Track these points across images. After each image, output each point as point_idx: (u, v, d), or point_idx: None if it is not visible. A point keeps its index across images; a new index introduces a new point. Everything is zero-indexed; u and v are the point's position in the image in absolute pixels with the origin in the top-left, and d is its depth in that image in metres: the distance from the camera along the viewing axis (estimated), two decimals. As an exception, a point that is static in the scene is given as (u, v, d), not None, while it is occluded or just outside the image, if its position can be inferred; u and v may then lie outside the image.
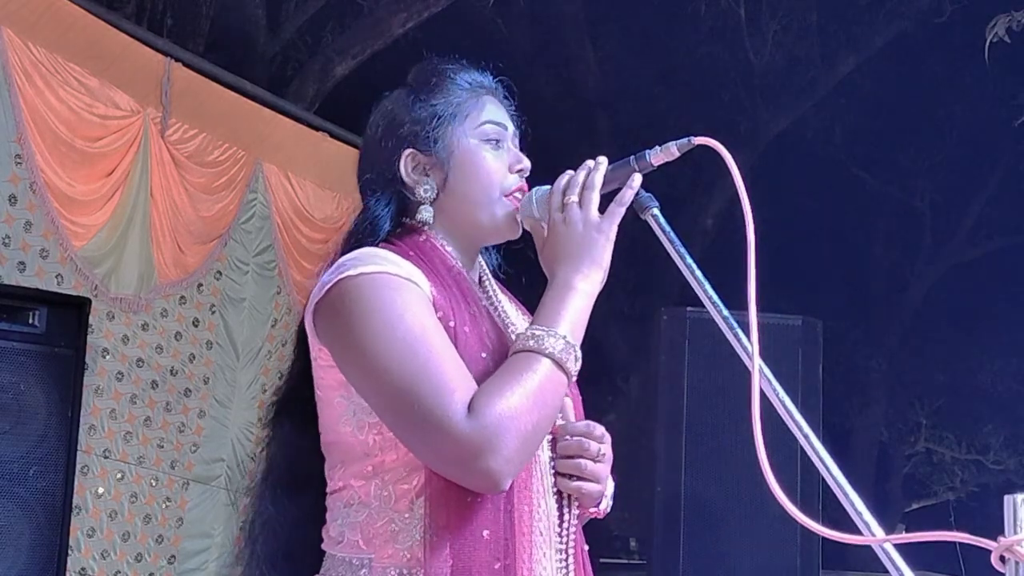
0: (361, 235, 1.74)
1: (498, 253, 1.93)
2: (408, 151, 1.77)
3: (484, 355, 1.65)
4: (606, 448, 1.77)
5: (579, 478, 1.73)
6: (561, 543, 1.72)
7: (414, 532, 1.62)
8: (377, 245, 1.72)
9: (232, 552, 1.80)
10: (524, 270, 1.95)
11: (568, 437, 1.74)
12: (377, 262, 1.65)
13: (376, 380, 1.59)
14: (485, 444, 1.54)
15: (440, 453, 1.56)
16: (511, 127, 1.83)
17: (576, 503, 1.75)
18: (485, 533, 1.60)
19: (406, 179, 1.77)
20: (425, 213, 1.76)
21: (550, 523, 1.71)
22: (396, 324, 1.59)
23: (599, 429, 1.77)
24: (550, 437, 1.73)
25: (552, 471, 1.73)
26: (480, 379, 1.62)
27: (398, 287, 1.63)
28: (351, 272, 1.64)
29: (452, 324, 1.65)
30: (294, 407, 1.76)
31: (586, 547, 1.79)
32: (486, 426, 1.54)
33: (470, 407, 1.54)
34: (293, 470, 1.75)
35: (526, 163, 1.81)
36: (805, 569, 5.48)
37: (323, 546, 1.72)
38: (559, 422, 1.74)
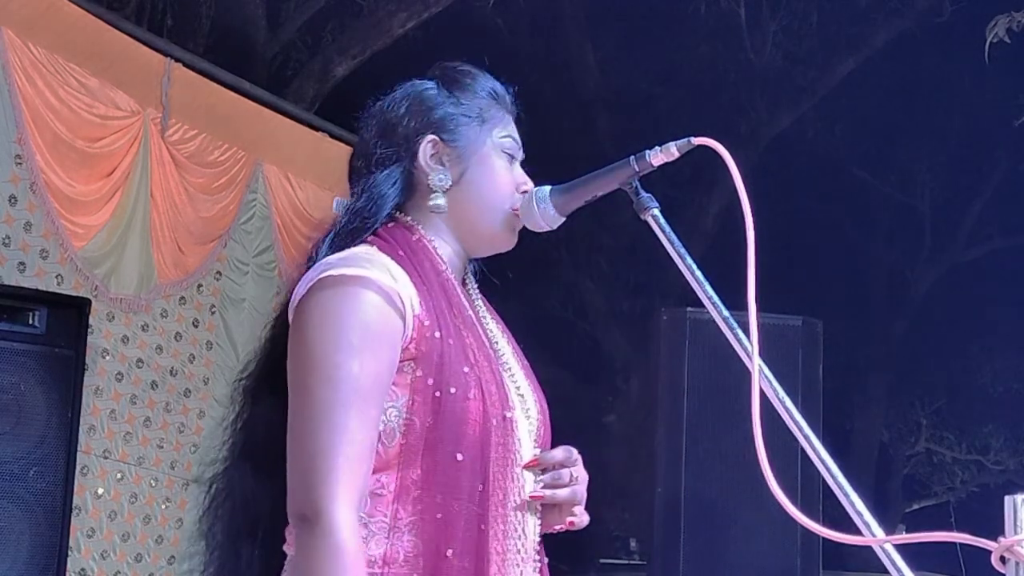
0: (365, 213, 1.73)
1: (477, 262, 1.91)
2: (431, 137, 1.76)
3: (466, 369, 1.65)
4: (578, 471, 1.78)
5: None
6: (537, 558, 1.73)
7: (385, 538, 1.61)
8: (375, 231, 1.71)
9: (198, 527, 1.76)
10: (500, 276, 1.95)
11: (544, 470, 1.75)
12: (363, 265, 1.64)
13: (294, 412, 1.62)
14: (323, 538, 1.54)
15: (298, 513, 1.57)
16: (521, 149, 1.85)
17: (539, 518, 1.75)
18: (449, 552, 1.61)
19: (423, 163, 1.76)
20: (439, 199, 1.75)
21: (527, 540, 1.71)
22: (333, 370, 1.59)
23: (574, 453, 1.79)
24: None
25: (535, 487, 1.73)
26: (462, 392, 1.64)
27: (364, 309, 1.61)
28: (332, 272, 1.63)
29: (438, 335, 1.65)
30: (276, 384, 1.72)
31: (546, 559, 1.80)
32: (332, 536, 1.54)
33: (341, 515, 1.54)
34: (275, 446, 1.70)
35: (530, 185, 1.82)
36: (805, 569, 5.48)
37: (286, 547, 1.69)
38: (536, 451, 1.75)
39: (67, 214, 4.48)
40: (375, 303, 1.62)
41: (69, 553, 3.97)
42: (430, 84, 1.81)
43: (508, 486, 1.67)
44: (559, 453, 1.76)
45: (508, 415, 1.68)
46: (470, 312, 1.75)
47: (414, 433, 1.62)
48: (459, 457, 1.62)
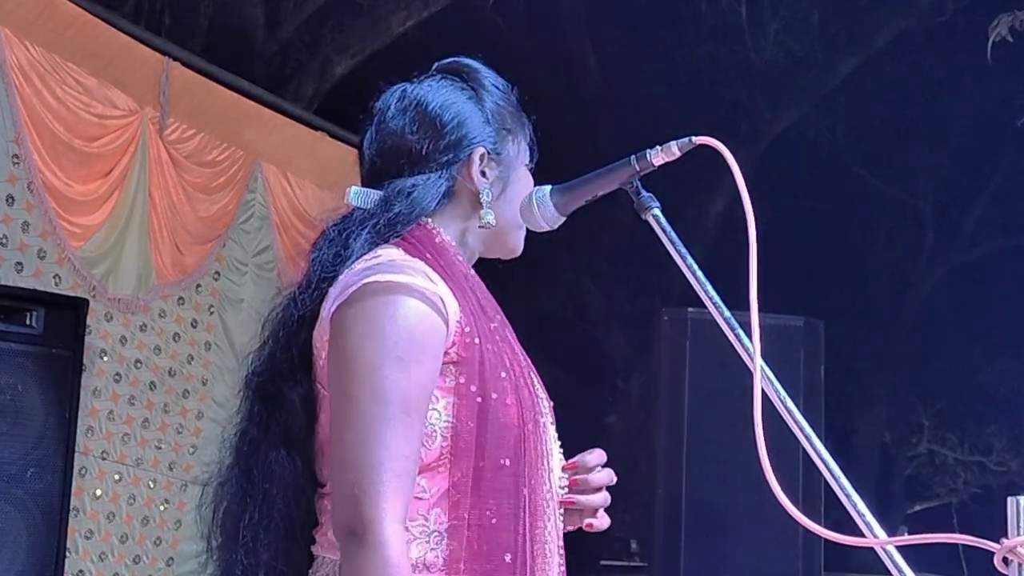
0: (405, 215, 1.70)
1: None
2: (481, 150, 1.76)
3: (503, 374, 1.66)
4: (607, 475, 1.79)
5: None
6: (561, 560, 1.73)
7: (425, 542, 1.61)
8: (399, 235, 1.69)
9: (199, 528, 1.73)
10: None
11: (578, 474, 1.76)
12: (405, 271, 1.62)
13: (341, 423, 1.59)
14: (373, 553, 1.53)
15: (347, 527, 1.56)
16: None
17: (562, 519, 1.75)
18: (507, 557, 1.61)
19: (475, 175, 1.75)
20: (488, 216, 1.74)
21: (556, 543, 1.71)
22: (382, 383, 1.57)
23: (604, 456, 1.79)
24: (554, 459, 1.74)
25: (561, 492, 1.73)
26: (501, 398, 1.63)
27: (410, 318, 1.59)
28: (376, 278, 1.61)
29: (477, 341, 1.65)
30: (294, 376, 1.70)
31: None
32: (382, 551, 1.53)
33: (389, 530, 1.53)
34: (309, 430, 1.68)
35: None
36: (807, 571, 5.47)
37: (316, 548, 1.68)
38: (561, 452, 1.75)
39: (65, 214, 4.47)
40: (420, 311, 1.61)
41: (67, 554, 3.97)
42: (464, 87, 1.79)
43: (541, 490, 1.68)
44: (594, 457, 1.76)
45: (541, 419, 1.69)
46: (500, 314, 1.75)
47: (457, 438, 1.62)
48: (506, 462, 1.63)
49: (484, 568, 1.59)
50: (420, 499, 1.61)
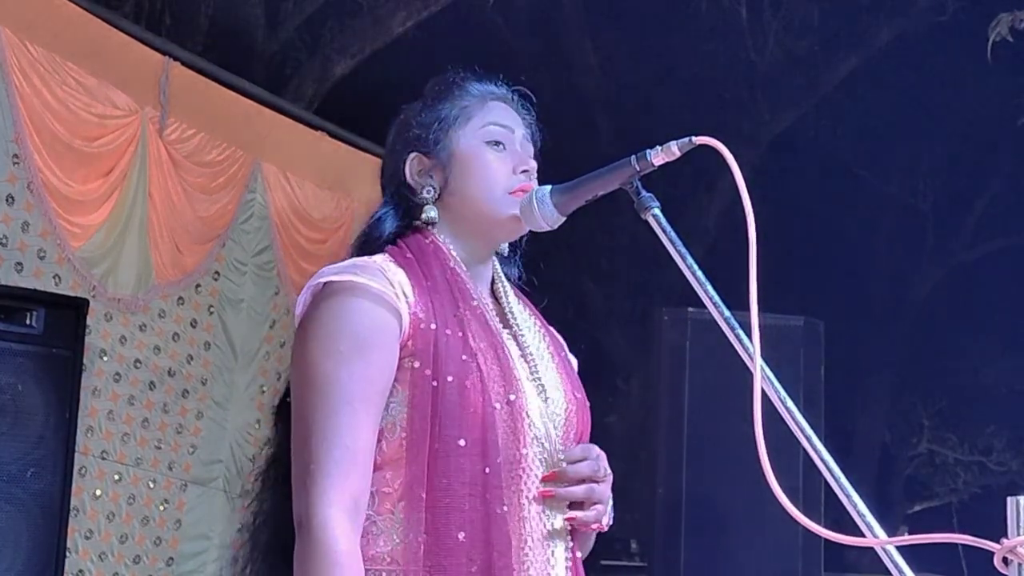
0: (365, 237, 1.81)
1: (517, 263, 1.94)
2: (412, 155, 1.82)
3: (464, 357, 1.68)
4: (605, 464, 1.79)
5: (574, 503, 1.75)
6: (550, 547, 1.73)
7: (395, 535, 1.64)
8: (382, 247, 1.78)
9: (232, 552, 1.83)
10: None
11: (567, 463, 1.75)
12: (353, 271, 1.70)
13: (293, 423, 1.69)
14: (311, 539, 1.59)
15: (296, 519, 1.63)
16: (519, 130, 1.86)
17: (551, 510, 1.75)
18: (460, 536, 1.63)
19: (410, 181, 1.82)
20: (430, 212, 1.80)
21: (538, 527, 1.71)
22: (322, 380, 1.65)
23: (596, 449, 1.79)
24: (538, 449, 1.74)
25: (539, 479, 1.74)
26: (459, 380, 1.66)
27: (352, 316, 1.67)
28: (323, 280, 1.71)
29: (433, 327, 1.69)
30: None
31: (578, 553, 1.80)
32: (320, 537, 1.59)
33: (328, 516, 1.59)
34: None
35: (531, 164, 1.84)
36: (807, 571, 5.47)
37: None
38: (555, 436, 1.75)
39: (65, 214, 4.47)
40: (364, 308, 1.67)
41: (67, 554, 3.96)
42: (415, 105, 1.88)
43: (517, 471, 1.69)
44: (578, 450, 1.75)
45: (512, 398, 1.70)
46: (479, 303, 1.77)
47: (415, 425, 1.66)
48: (462, 443, 1.66)
49: (439, 548, 1.62)
50: (387, 493, 1.65)
